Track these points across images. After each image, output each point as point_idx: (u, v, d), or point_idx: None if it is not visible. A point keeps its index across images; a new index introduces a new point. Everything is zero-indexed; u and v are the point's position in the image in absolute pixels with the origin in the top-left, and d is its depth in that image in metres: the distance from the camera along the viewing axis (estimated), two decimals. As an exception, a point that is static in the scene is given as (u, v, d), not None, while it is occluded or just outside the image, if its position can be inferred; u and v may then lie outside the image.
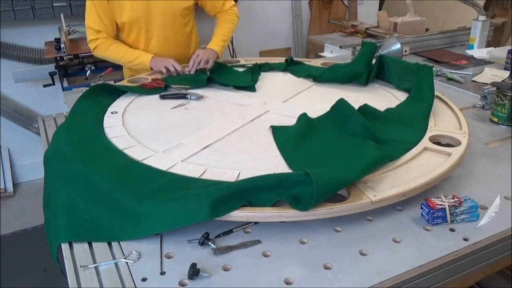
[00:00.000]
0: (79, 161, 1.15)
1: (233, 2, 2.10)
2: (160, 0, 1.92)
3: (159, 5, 1.93)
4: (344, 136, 1.28)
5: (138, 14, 1.92)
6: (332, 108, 1.40)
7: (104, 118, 1.47)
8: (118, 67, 2.22)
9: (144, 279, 0.85)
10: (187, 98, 1.65)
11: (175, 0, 1.95)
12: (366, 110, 1.40)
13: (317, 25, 3.94)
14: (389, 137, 1.26)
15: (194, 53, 1.92)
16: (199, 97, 1.66)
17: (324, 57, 2.73)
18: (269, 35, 3.80)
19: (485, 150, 1.35)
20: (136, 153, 1.22)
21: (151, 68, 1.93)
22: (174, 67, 1.88)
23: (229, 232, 0.97)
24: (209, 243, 0.92)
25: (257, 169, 1.11)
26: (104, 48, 1.93)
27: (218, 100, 1.66)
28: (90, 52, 1.98)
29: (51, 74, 2.79)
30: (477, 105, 1.67)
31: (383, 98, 1.65)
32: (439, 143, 1.27)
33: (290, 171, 1.11)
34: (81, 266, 0.88)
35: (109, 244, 0.95)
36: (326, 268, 0.87)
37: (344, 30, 3.24)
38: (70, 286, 0.84)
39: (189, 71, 1.90)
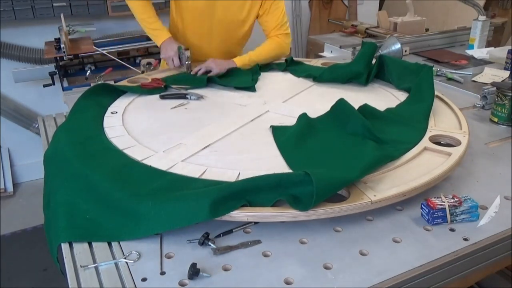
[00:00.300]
0: (79, 161, 1.14)
1: (287, 32, 2.03)
2: (225, 1, 1.91)
3: (223, 10, 1.93)
4: (344, 136, 1.28)
5: (203, 6, 1.92)
6: (332, 108, 1.40)
7: (104, 118, 1.46)
8: (118, 67, 2.22)
9: (144, 279, 0.85)
10: (187, 98, 1.65)
11: (237, 11, 1.95)
12: (366, 110, 1.40)
13: (317, 25, 3.94)
14: (389, 137, 1.26)
15: (209, 60, 1.88)
16: (199, 97, 1.66)
17: (324, 57, 2.72)
18: (269, 35, 3.79)
19: (485, 150, 1.35)
20: (136, 153, 1.22)
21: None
22: (173, 62, 1.88)
23: (229, 232, 0.97)
24: (209, 243, 0.92)
25: (257, 169, 1.11)
26: None
27: (218, 100, 1.66)
28: (90, 52, 1.96)
29: (51, 74, 2.79)
30: (477, 105, 1.67)
31: (383, 98, 1.65)
32: (439, 143, 1.27)
33: (290, 171, 1.11)
34: (81, 266, 0.88)
35: (109, 244, 0.95)
36: (326, 268, 0.87)
37: (344, 30, 3.24)
38: (70, 286, 0.84)
39: (190, 71, 1.90)
